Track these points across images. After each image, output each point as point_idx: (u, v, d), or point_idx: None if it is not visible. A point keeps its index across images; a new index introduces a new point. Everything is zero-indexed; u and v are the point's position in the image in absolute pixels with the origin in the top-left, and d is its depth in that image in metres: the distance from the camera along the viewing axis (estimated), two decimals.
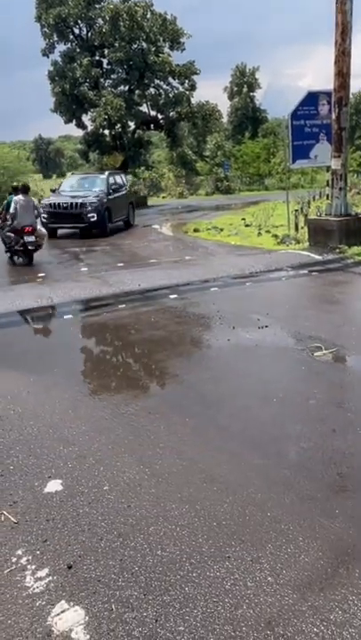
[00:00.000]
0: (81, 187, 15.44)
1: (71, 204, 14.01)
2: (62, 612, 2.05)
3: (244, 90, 56.04)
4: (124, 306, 6.76)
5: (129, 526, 2.50)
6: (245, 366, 4.52)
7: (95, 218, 13.93)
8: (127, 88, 30.32)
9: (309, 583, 2.13)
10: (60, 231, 14.59)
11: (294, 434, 3.30)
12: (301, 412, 3.59)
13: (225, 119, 53.21)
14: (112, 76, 30.39)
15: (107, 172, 16.41)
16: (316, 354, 4.65)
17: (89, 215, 13.90)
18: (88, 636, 1.94)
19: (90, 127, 30.45)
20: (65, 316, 6.41)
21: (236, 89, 56.70)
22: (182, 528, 2.47)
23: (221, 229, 15.03)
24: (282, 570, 2.20)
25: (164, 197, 36.57)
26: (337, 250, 9.77)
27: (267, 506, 2.60)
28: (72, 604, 2.09)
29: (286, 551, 2.30)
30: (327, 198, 10.86)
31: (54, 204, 14.21)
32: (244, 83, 56.25)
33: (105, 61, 29.85)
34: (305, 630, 1.93)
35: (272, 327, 5.49)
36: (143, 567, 2.25)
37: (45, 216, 13.47)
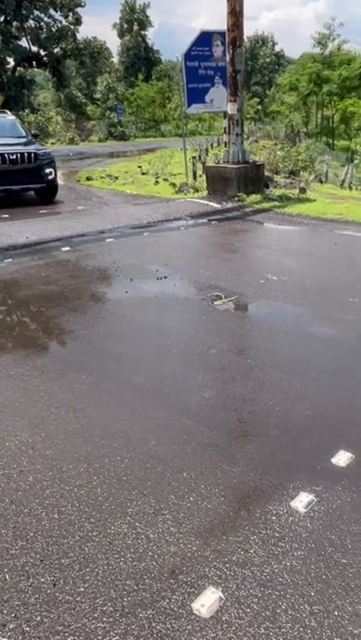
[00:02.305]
0: None
1: (22, 155, 9.84)
2: None
3: (135, 27, 53.41)
4: (10, 260, 6.27)
5: (22, 492, 2.34)
6: (144, 318, 4.41)
7: (53, 175, 10.37)
8: (3, 19, 27.47)
9: (212, 528, 2.14)
10: None
11: (196, 384, 3.28)
12: (202, 362, 3.58)
13: (115, 59, 50.79)
14: None
15: (8, 112, 12.76)
16: (215, 303, 4.65)
17: (47, 171, 10.18)
18: None
19: None
20: None
21: (126, 26, 53.86)
22: (80, 488, 2.36)
23: (116, 178, 14.52)
24: (185, 519, 2.19)
25: (52, 144, 34.41)
26: (236, 198, 9.83)
27: (168, 457, 2.56)
28: None
29: (189, 500, 2.29)
30: (225, 146, 10.78)
31: None
32: (134, 20, 53.54)
33: None
34: (208, 574, 1.94)
35: (171, 278, 5.40)
36: (39, 532, 2.12)
37: None
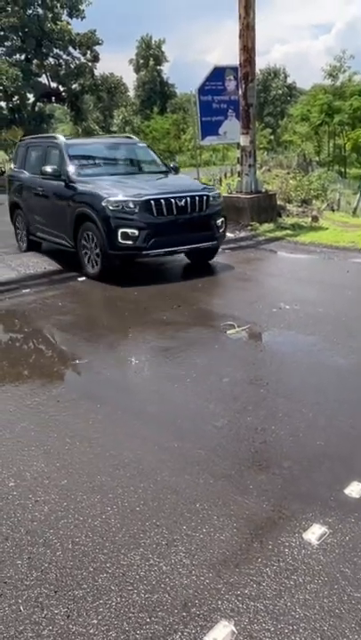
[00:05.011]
0: (125, 166, 8.07)
1: (193, 200, 6.55)
2: None
3: (151, 63, 55.00)
4: (28, 290, 6.41)
5: (37, 522, 2.37)
6: (157, 347, 4.47)
7: (223, 227, 7.19)
8: (24, 57, 28.71)
9: (225, 561, 2.14)
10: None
11: (208, 413, 3.30)
12: (215, 391, 3.60)
13: (132, 93, 52.28)
14: (6, 44, 28.65)
15: (134, 137, 10.04)
16: (228, 332, 4.69)
17: (218, 222, 6.96)
18: None
19: None
20: None
21: (142, 61, 55.53)
22: (94, 519, 2.38)
23: None
24: (197, 550, 2.19)
25: None
26: (249, 227, 9.95)
27: (181, 487, 2.58)
28: None
29: (202, 531, 2.30)
30: (238, 175, 10.98)
31: (157, 200, 6.27)
32: (150, 55, 55.18)
33: None
34: (220, 607, 1.93)
35: (185, 307, 5.47)
36: (53, 563, 2.15)
37: (133, 233, 6.20)
